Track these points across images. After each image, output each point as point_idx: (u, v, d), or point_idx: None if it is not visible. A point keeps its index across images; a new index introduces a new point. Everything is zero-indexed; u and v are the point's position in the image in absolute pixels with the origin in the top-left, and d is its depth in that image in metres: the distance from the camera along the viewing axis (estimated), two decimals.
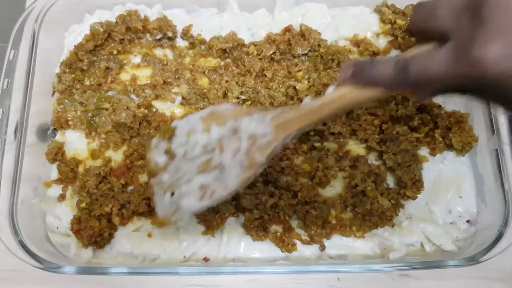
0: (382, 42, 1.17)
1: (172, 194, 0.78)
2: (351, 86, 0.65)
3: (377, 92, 0.63)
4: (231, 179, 0.73)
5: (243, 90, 1.09)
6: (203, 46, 1.18)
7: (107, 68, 1.13)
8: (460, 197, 1.04)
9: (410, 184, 1.01)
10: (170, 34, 1.16)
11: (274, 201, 0.99)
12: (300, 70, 1.12)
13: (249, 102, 1.08)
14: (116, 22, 1.15)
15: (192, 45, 1.19)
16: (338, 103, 0.67)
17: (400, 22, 1.13)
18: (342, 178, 1.04)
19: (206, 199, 0.74)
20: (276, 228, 1.01)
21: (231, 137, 0.74)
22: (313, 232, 0.99)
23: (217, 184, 0.74)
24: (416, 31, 0.63)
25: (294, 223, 1.02)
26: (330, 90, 0.68)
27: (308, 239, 0.99)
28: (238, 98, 1.09)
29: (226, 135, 0.74)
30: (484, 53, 0.47)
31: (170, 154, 0.79)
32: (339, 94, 0.67)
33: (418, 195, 1.02)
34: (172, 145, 0.79)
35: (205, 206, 0.76)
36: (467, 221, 1.02)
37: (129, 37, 1.15)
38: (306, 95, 1.05)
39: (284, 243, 0.98)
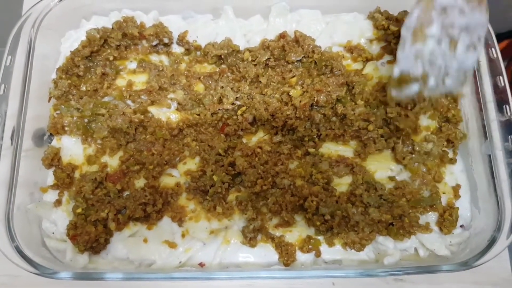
0: (375, 48, 1.17)
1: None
2: None
3: None
4: (476, 20, 0.90)
5: (238, 96, 1.10)
6: (198, 52, 1.19)
7: (103, 74, 1.14)
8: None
9: None
10: (166, 40, 1.16)
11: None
12: (294, 76, 1.13)
13: (244, 108, 1.08)
14: (113, 28, 1.15)
15: (188, 51, 1.19)
16: None
17: (393, 28, 1.14)
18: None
19: (480, 46, 0.94)
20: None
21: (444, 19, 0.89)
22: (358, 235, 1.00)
23: (474, 33, 0.91)
24: None
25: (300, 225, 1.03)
26: None
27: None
28: (233, 104, 1.09)
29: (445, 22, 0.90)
30: None
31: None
32: None
33: None
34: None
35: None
36: (461, 226, 1.03)
37: (125, 43, 1.16)
38: (300, 101, 1.06)
39: (283, 248, 0.98)
